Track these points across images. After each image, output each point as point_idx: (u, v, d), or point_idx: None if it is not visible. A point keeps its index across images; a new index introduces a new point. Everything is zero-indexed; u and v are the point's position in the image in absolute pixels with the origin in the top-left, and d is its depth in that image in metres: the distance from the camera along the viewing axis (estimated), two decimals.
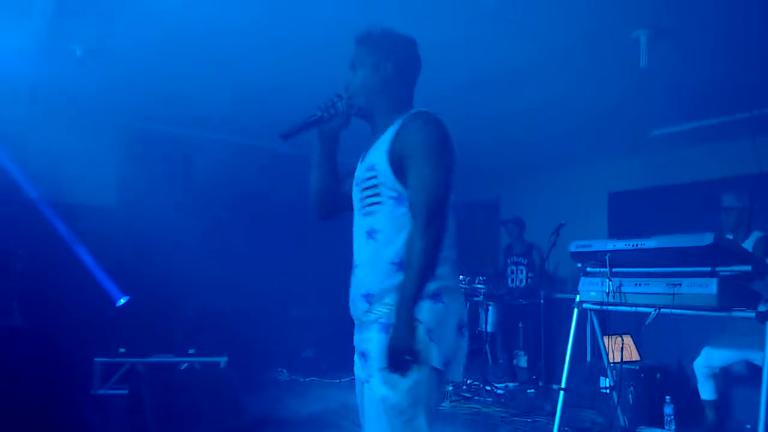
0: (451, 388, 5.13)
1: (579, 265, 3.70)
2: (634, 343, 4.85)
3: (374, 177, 1.66)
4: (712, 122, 4.86)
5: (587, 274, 3.61)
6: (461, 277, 5.39)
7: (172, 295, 5.03)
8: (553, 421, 3.79)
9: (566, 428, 3.82)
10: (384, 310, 1.62)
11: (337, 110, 1.74)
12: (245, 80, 4.39)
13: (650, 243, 3.05)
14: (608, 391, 4.04)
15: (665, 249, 2.98)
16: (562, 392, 3.71)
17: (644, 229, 5.33)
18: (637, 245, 3.14)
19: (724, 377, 4.29)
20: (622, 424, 3.85)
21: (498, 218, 7.62)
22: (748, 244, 3.70)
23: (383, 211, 1.65)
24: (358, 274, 1.71)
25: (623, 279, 3.33)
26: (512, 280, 5.95)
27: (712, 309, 2.87)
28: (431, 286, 1.56)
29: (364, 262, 1.70)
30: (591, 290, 3.54)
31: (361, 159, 1.77)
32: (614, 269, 3.41)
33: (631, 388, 4.24)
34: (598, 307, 3.57)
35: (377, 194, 1.66)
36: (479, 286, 5.35)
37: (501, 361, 5.91)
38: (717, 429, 3.79)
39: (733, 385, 4.23)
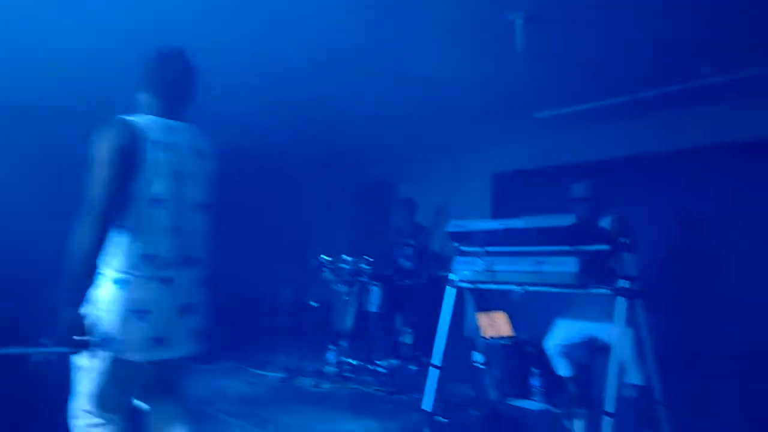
0: (334, 369, 5.17)
1: (455, 244, 3.83)
2: (510, 319, 5.13)
3: None
4: (592, 106, 5.16)
5: (462, 254, 3.75)
6: (345, 257, 5.42)
7: (21, 282, 4.63)
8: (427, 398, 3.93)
9: (440, 404, 3.97)
10: None
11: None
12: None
13: (519, 223, 3.21)
14: (481, 366, 4.25)
15: (532, 229, 3.15)
16: (432, 369, 3.85)
17: (527, 209, 5.65)
18: (507, 225, 3.29)
19: (585, 350, 4.66)
20: (492, 397, 4.05)
21: (394, 200, 7.73)
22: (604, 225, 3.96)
23: None
24: None
25: (495, 258, 3.48)
26: (400, 260, 6.04)
27: (572, 286, 3.07)
28: (101, 276, 1.93)
29: None
30: (465, 269, 3.68)
31: None
32: (488, 249, 3.57)
33: (502, 362, 4.50)
34: (471, 285, 3.72)
35: None
36: (364, 266, 5.38)
37: (385, 340, 6.01)
38: (577, 400, 4.07)
39: (597, 355, 4.62)
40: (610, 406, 2.89)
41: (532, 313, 4.86)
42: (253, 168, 7.16)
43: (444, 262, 6.28)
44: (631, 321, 3.33)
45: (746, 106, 4.83)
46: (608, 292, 3.02)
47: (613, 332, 2.98)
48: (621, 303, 2.95)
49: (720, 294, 4.69)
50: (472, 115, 5.67)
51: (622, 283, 2.98)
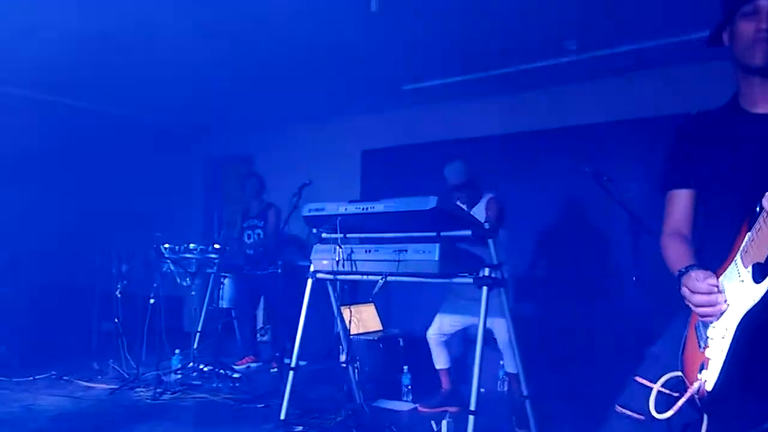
0: (178, 377, 4.93)
1: (314, 230, 3.75)
2: (377, 311, 5.15)
3: None
4: (458, 79, 5.28)
5: (323, 241, 3.67)
6: (192, 246, 5.16)
7: None
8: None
9: (296, 410, 3.89)
10: None
11: None
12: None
13: (378, 206, 3.17)
14: (345, 365, 4.21)
15: (392, 213, 3.13)
16: (291, 371, 3.76)
17: (399, 188, 5.74)
18: (366, 209, 3.25)
19: (461, 342, 4.80)
20: (357, 399, 4.04)
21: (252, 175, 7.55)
22: (479, 208, 4.06)
23: None
24: None
25: (354, 246, 3.43)
26: (249, 247, 5.86)
27: (435, 275, 3.09)
28: None
29: None
30: (323, 258, 3.60)
31: None
32: (348, 235, 3.52)
33: (369, 360, 4.51)
34: (331, 276, 3.66)
35: None
36: (212, 256, 5.14)
37: (240, 341, 5.84)
38: (450, 396, 4.18)
39: (468, 347, 4.77)
40: (473, 402, 2.95)
41: (408, 303, 4.94)
42: (78, 138, 6.67)
43: (309, 249, 6.21)
44: (502, 310, 3.45)
45: (615, 86, 5.18)
46: (470, 281, 3.07)
47: (479, 323, 3.04)
48: (484, 292, 3.01)
49: (594, 280, 5.01)
50: (336, 83, 5.60)
51: (486, 272, 3.04)
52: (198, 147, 8.07)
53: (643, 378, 1.66)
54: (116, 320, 5.22)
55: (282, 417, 3.74)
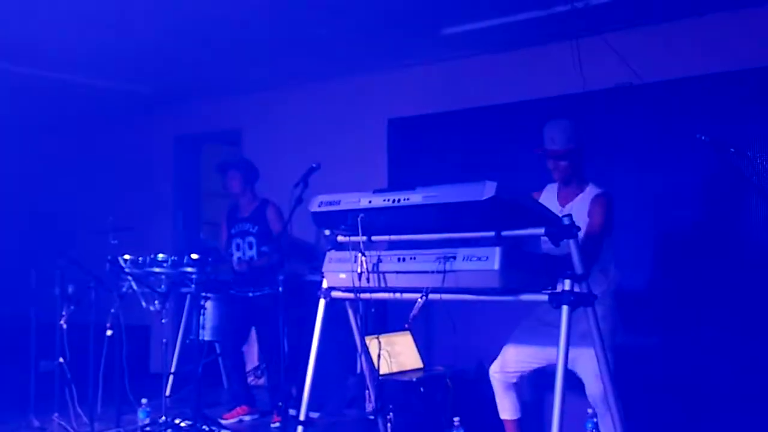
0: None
1: (326, 232, 3.77)
2: (416, 343, 5.17)
3: None
4: (520, 18, 5.30)
5: (336, 246, 3.69)
6: (161, 257, 5.23)
7: None
8: None
9: None
10: None
11: None
12: None
13: (415, 197, 3.17)
14: (372, 417, 4.24)
15: (434, 206, 3.12)
16: (300, 427, 3.79)
17: (441, 172, 5.72)
18: (398, 201, 3.25)
19: (536, 385, 4.79)
20: None
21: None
22: (581, 203, 4.02)
23: None
24: None
25: (383, 253, 3.44)
26: (239, 261, 5.90)
27: (495, 291, 3.08)
28: None
29: None
30: (340, 270, 3.62)
31: None
32: (373, 238, 3.53)
33: (406, 410, 4.52)
34: (351, 295, 3.67)
35: None
36: (188, 269, 5.21)
37: (229, 385, 5.92)
38: None
39: (547, 393, 4.75)
40: None
41: (459, 332, 4.94)
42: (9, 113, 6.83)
43: (319, 258, 6.24)
44: (589, 339, 3.42)
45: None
46: (544, 298, 3.06)
47: (559, 353, 3.02)
48: (565, 313, 2.99)
49: (723, 294, 4.94)
50: (352, 27, 5.63)
51: (565, 285, 3.02)
52: (168, 122, 8.17)
53: None
54: (61, 360, 5.31)
55: None
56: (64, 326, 5.33)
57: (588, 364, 3.66)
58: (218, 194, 7.67)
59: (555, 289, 3.09)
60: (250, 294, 5.70)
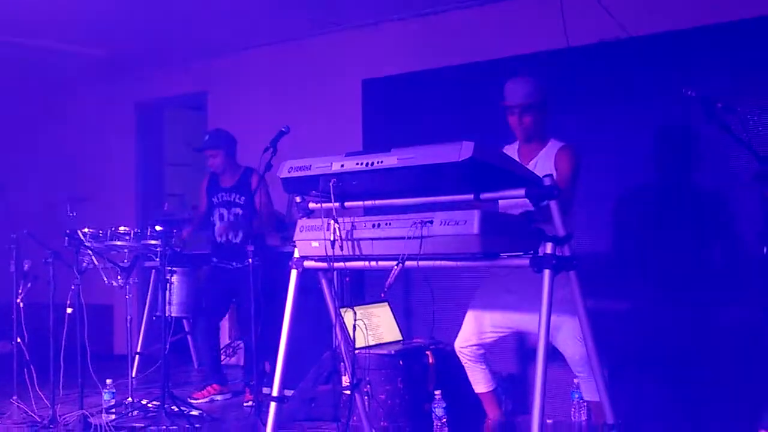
0: (113, 417, 5.04)
1: (297, 199, 3.80)
2: (394, 314, 5.22)
3: None
4: None
5: (308, 214, 3.72)
6: (123, 229, 5.25)
7: None
8: None
9: None
10: None
11: None
12: None
13: (390, 160, 3.20)
14: (349, 393, 4.29)
15: (411, 168, 3.15)
16: (273, 404, 3.83)
17: (418, 134, 5.73)
18: (372, 164, 3.27)
19: (516, 355, 4.87)
20: None
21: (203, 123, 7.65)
22: (545, 158, 4.09)
23: None
24: None
25: (357, 219, 3.47)
26: (221, 232, 5.88)
27: (474, 256, 3.12)
28: None
29: None
30: (313, 239, 3.65)
31: None
32: (347, 203, 3.56)
33: (384, 384, 4.58)
34: (324, 264, 3.71)
35: None
36: (152, 242, 5.22)
37: (199, 364, 5.96)
38: (500, 430, 4.26)
39: (530, 361, 4.83)
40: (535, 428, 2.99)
41: (440, 302, 4.99)
42: None
43: (290, 230, 6.27)
44: (571, 306, 3.48)
45: None
46: (525, 262, 3.10)
47: (541, 318, 3.07)
48: (547, 278, 3.04)
49: (706, 257, 5.01)
50: None
51: (548, 248, 3.07)
52: (127, 88, 8.13)
53: None
54: (18, 340, 5.32)
55: None
56: (21, 305, 5.34)
57: (568, 330, 3.75)
58: (183, 164, 7.69)
59: (537, 252, 3.14)
60: (232, 266, 5.73)
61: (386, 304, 5.22)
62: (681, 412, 4.41)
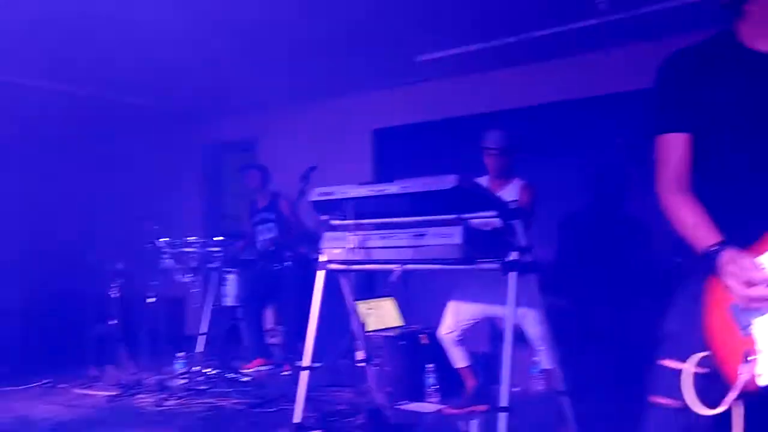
0: (183, 382, 5.02)
1: (323, 217, 3.80)
2: (398, 306, 5.21)
3: None
4: (480, 47, 5.31)
5: (331, 228, 3.72)
6: (192, 239, 5.26)
7: None
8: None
9: (312, 414, 3.96)
10: None
11: None
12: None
13: (393, 188, 3.21)
14: (362, 365, 4.28)
15: (408, 195, 3.17)
16: (304, 372, 3.82)
17: (415, 169, 5.74)
18: (380, 191, 3.28)
19: (489, 338, 4.86)
20: (378, 401, 4.10)
21: (253, 162, 7.62)
22: (511, 191, 4.12)
23: None
24: None
25: (369, 233, 3.48)
26: (262, 243, 5.95)
27: (457, 261, 3.13)
28: None
29: None
30: (336, 246, 3.65)
31: None
32: (361, 221, 3.56)
33: (389, 359, 4.57)
34: (344, 266, 3.71)
35: None
36: (215, 249, 5.23)
37: (248, 342, 5.94)
38: (477, 395, 4.23)
39: (498, 343, 4.80)
40: (504, 399, 2.99)
41: (431, 296, 4.99)
42: (65, 127, 6.78)
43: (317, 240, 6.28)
44: (532, 300, 3.49)
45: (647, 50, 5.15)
46: (496, 266, 3.11)
47: (506, 312, 3.07)
48: (512, 279, 3.04)
49: (631, 265, 5.01)
50: (344, 56, 5.64)
51: (514, 256, 3.07)
52: (196, 132, 8.16)
53: (669, 360, 1.69)
54: (113, 322, 5.34)
55: (296, 421, 3.81)
56: (115, 296, 5.37)
57: (531, 317, 3.77)
58: (237, 192, 7.69)
59: (504, 259, 3.14)
60: (274, 268, 5.76)
61: (391, 298, 5.22)
62: (614, 378, 4.37)
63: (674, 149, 1.72)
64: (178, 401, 4.63)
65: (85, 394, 4.91)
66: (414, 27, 4.98)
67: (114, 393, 4.83)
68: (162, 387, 4.84)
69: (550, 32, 4.99)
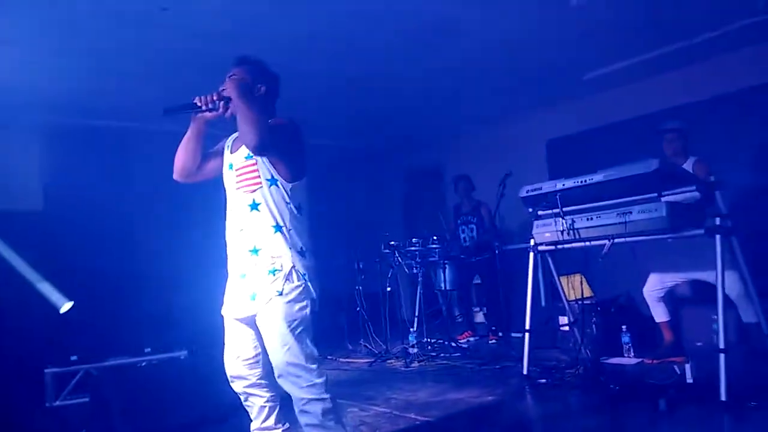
0: (418, 350, 5.15)
1: (530, 209, 3.78)
2: (586, 280, 5.02)
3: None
4: (643, 58, 5.05)
5: (539, 217, 3.69)
6: (414, 240, 5.43)
7: (121, 294, 4.80)
8: (522, 364, 3.89)
9: (534, 368, 3.92)
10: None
11: (214, 106, 2.17)
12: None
13: (597, 177, 3.14)
14: (568, 328, 4.17)
15: (612, 181, 3.08)
16: (527, 334, 3.80)
17: (584, 172, 5.53)
18: (585, 181, 3.23)
19: (671, 299, 4.54)
20: (586, 357, 3.98)
21: (442, 181, 7.70)
22: (688, 167, 3.85)
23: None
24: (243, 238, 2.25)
25: (575, 216, 3.41)
26: (464, 240, 6.03)
27: (664, 231, 2.98)
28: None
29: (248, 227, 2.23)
30: (545, 231, 3.62)
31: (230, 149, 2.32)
32: (565, 209, 3.50)
33: (593, 321, 4.41)
34: (553, 247, 3.66)
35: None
36: (433, 246, 5.36)
37: (460, 318, 5.99)
38: (673, 348, 3.98)
39: (680, 306, 4.48)
40: (721, 341, 2.78)
41: (602, 273, 4.77)
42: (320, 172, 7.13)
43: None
44: (733, 261, 3.23)
45: None
46: (701, 232, 2.91)
47: (717, 271, 2.86)
48: (719, 241, 2.83)
49: None
50: (521, 81, 5.57)
51: (716, 222, 2.87)
52: (398, 163, 8.39)
53: None
54: (360, 309, 5.62)
55: (525, 373, 3.80)
56: (359, 289, 5.64)
57: (730, 276, 3.46)
58: (427, 209, 7.77)
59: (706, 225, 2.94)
60: (473, 260, 5.81)
61: (579, 274, 5.04)
62: None
63: None
64: (421, 363, 4.77)
65: (349, 362, 5.15)
66: (580, 50, 4.82)
67: (370, 360, 5.04)
68: (405, 353, 5.00)
69: (716, 34, 4.60)
